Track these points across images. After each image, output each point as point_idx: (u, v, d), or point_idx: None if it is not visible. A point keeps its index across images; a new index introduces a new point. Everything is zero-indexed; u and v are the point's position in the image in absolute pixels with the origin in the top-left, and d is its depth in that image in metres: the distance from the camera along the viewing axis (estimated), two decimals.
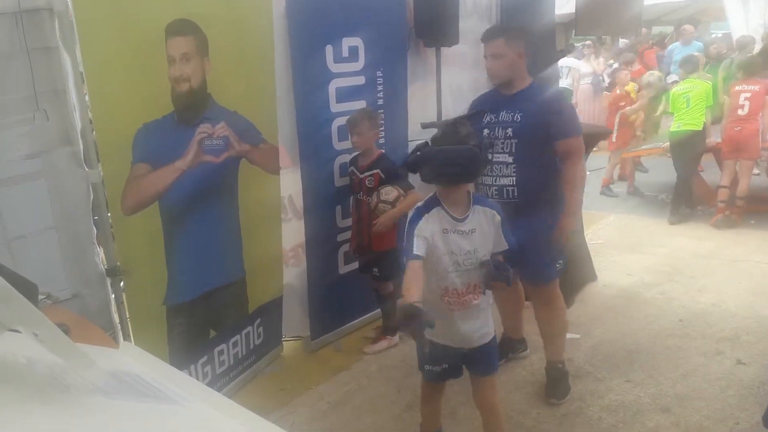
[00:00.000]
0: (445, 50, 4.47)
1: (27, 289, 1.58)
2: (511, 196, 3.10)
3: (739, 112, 5.96)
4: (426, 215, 2.41)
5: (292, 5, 3.41)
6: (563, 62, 9.72)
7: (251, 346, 3.61)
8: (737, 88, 6.08)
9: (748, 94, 5.94)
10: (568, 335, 3.62)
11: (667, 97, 6.82)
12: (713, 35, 11.66)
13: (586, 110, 9.36)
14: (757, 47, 8.05)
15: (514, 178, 3.09)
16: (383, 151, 3.83)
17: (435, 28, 4.24)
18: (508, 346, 3.67)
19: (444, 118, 4.47)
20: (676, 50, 9.48)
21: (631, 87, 7.54)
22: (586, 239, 4.89)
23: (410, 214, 2.50)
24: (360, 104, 3.82)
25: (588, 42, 10.89)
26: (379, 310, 4.10)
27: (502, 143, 3.11)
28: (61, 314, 2.12)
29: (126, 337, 2.80)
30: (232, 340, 3.43)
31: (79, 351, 1.18)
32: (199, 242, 3.08)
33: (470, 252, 2.40)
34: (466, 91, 5.00)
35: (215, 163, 3.08)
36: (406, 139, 4.16)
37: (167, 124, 2.81)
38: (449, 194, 2.41)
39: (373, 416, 3.26)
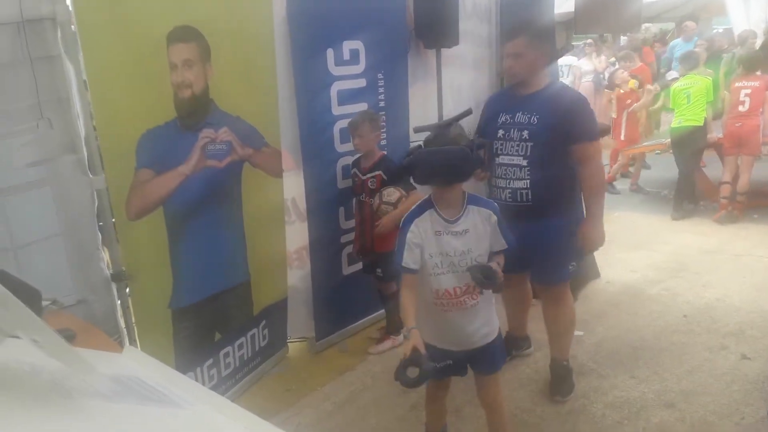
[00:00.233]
0: (445, 51, 4.49)
1: (30, 295, 1.60)
2: (524, 200, 3.07)
3: (740, 108, 5.96)
4: (416, 220, 2.43)
5: (292, 9, 3.44)
6: (562, 61, 9.73)
7: (257, 348, 3.63)
8: (737, 84, 6.08)
9: (749, 90, 5.94)
10: None
11: (666, 93, 6.81)
12: (715, 31, 11.65)
13: None
14: (759, 42, 8.04)
15: (528, 181, 3.05)
16: (385, 152, 3.85)
17: (435, 30, 4.27)
18: (512, 344, 3.68)
19: (445, 119, 4.50)
20: (678, 47, 9.47)
21: (632, 83, 7.54)
22: None
23: (404, 218, 2.52)
24: (361, 106, 3.84)
25: (589, 40, 10.90)
26: (383, 310, 4.11)
27: (517, 145, 3.06)
28: (66, 319, 2.15)
29: (132, 342, 2.83)
30: (238, 342, 3.46)
31: (78, 356, 1.20)
32: (203, 246, 3.11)
33: (465, 252, 2.41)
34: (467, 92, 5.04)
35: (218, 168, 3.10)
36: (408, 140, 4.17)
37: (170, 130, 2.84)
38: (443, 195, 2.43)
39: (378, 416, 3.28)
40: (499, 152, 3.13)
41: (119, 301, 2.82)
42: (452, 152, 2.35)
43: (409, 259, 2.40)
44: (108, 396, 1.19)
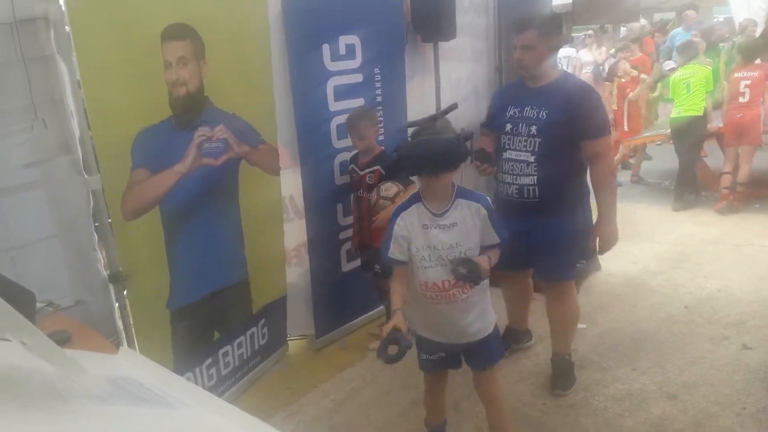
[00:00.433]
0: (443, 45, 4.48)
1: (24, 297, 1.60)
2: (531, 196, 3.02)
3: (740, 99, 5.93)
4: (403, 213, 2.45)
5: (287, 5, 3.41)
6: (561, 52, 9.67)
7: (256, 347, 3.62)
8: (737, 75, 6.04)
9: (748, 81, 5.90)
10: None
11: (664, 83, 6.78)
12: (715, 20, 11.59)
13: None
14: (759, 30, 8.00)
15: (535, 177, 2.99)
16: (383, 147, 3.83)
17: (432, 23, 4.25)
18: (512, 337, 3.67)
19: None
20: (678, 36, 9.41)
21: (633, 73, 7.50)
22: None
23: (393, 211, 2.54)
24: (358, 102, 3.82)
25: (590, 31, 10.86)
26: (382, 306, 4.11)
27: (525, 140, 3.00)
28: (62, 321, 2.14)
29: (130, 342, 2.83)
30: (237, 341, 3.45)
31: (69, 358, 1.19)
32: (200, 245, 3.10)
33: (453, 246, 2.40)
34: (465, 85, 5.02)
35: (215, 166, 3.09)
36: (406, 135, 4.16)
37: (165, 129, 2.82)
38: (431, 187, 2.42)
39: (379, 412, 3.28)
40: (506, 147, 3.08)
41: (117, 302, 2.82)
42: (437, 141, 2.36)
43: (395, 250, 2.43)
44: (102, 398, 1.18)
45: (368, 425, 3.20)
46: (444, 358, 2.63)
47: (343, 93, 3.77)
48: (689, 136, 6.19)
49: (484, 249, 2.48)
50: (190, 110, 2.96)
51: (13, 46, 2.40)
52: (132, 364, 1.50)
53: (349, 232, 3.97)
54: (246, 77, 3.25)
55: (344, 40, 3.72)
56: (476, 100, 5.14)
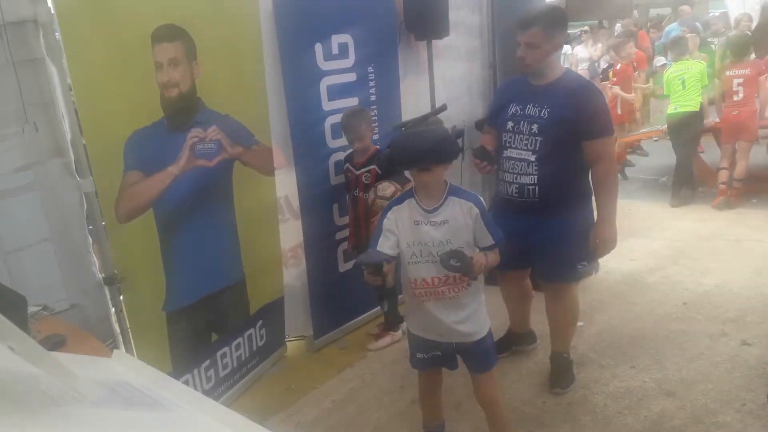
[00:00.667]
0: (436, 43, 4.45)
1: (15, 301, 1.59)
2: (531, 196, 2.97)
3: (734, 98, 5.92)
4: (395, 208, 2.45)
5: (279, 4, 3.39)
6: None
7: (254, 348, 3.61)
8: (728, 73, 6.00)
9: (741, 80, 5.88)
10: None
11: (656, 80, 6.76)
12: (711, 14, 11.60)
13: None
14: (754, 25, 7.99)
15: (536, 177, 2.94)
16: (378, 147, 3.82)
17: (425, 21, 4.23)
18: (511, 340, 3.65)
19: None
20: (674, 31, 9.42)
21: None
22: None
23: (386, 206, 2.53)
24: (352, 101, 3.81)
25: (586, 28, 10.87)
26: (380, 307, 4.09)
27: (526, 139, 2.95)
28: (57, 325, 2.13)
29: (127, 345, 2.81)
30: (235, 342, 3.44)
31: (58, 363, 1.18)
32: (195, 246, 3.08)
33: (443, 243, 2.38)
34: (460, 83, 5.00)
35: (208, 167, 3.07)
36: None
37: (158, 131, 2.81)
38: (423, 182, 2.40)
39: (378, 413, 3.27)
40: (507, 145, 3.03)
41: (113, 305, 2.80)
42: (429, 133, 2.36)
43: (384, 244, 2.40)
44: (94, 401, 1.17)
45: (368, 425, 3.18)
46: (439, 357, 2.62)
47: (336, 92, 3.75)
48: (686, 131, 6.18)
49: (482, 251, 2.46)
50: (183, 111, 2.94)
51: (1, 49, 2.39)
52: (126, 368, 1.49)
53: (346, 232, 3.96)
54: (238, 78, 3.23)
55: (337, 40, 3.71)
56: (470, 98, 5.12)
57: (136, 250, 2.81)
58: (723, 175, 6.05)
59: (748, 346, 3.54)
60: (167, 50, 2.80)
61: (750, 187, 6.12)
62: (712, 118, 6.25)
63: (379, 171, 3.62)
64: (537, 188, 2.96)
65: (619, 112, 7.43)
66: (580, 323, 3.71)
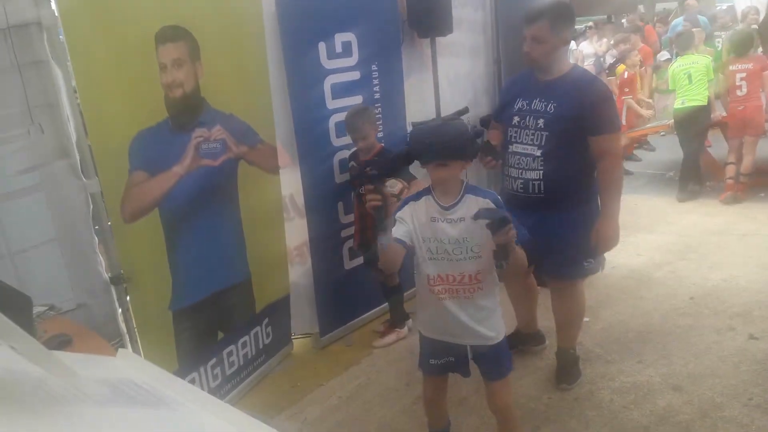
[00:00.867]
0: (440, 40, 4.46)
1: (20, 301, 1.60)
2: (537, 191, 2.95)
3: (738, 92, 5.89)
4: (411, 202, 2.42)
5: (282, 4, 3.41)
6: None
7: (260, 346, 3.63)
8: (731, 67, 5.97)
9: (743, 74, 5.85)
10: None
11: (659, 75, 6.72)
12: (718, 8, 11.52)
13: None
14: (761, 18, 7.93)
15: (541, 172, 2.91)
16: (383, 144, 3.82)
17: (428, 19, 4.23)
18: (518, 339, 3.62)
19: (443, 108, 4.47)
20: (679, 26, 9.36)
21: (622, 68, 7.45)
22: None
23: (402, 200, 2.51)
24: (356, 100, 3.82)
25: (590, 24, 10.83)
26: (386, 303, 4.10)
27: (532, 134, 2.92)
28: (63, 324, 2.15)
29: (134, 345, 2.83)
30: (241, 340, 3.46)
31: (60, 362, 1.19)
32: (201, 245, 3.10)
33: (459, 241, 2.35)
34: (464, 81, 5.01)
35: (213, 167, 3.09)
36: (405, 132, 4.15)
37: (162, 131, 2.83)
38: (440, 178, 2.36)
39: (384, 410, 3.28)
40: (513, 140, 3.02)
41: (119, 305, 2.82)
42: (447, 127, 2.32)
43: (398, 231, 2.33)
44: (97, 400, 1.18)
45: (373, 422, 3.20)
46: (452, 363, 2.56)
47: (340, 91, 3.76)
48: (693, 126, 6.14)
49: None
50: (187, 111, 2.96)
51: (6, 52, 2.42)
52: (130, 366, 1.49)
53: (351, 230, 3.97)
54: (242, 77, 3.25)
55: (340, 38, 3.72)
56: (475, 95, 5.12)
57: (142, 250, 2.83)
58: (730, 170, 6.02)
59: (755, 340, 3.52)
60: (171, 51, 2.82)
61: (758, 181, 6.08)
62: (719, 112, 6.21)
63: (376, 172, 3.60)
64: (542, 183, 2.94)
65: (624, 122, 7.39)
66: (586, 319, 3.70)
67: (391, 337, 3.95)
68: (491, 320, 2.48)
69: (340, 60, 3.74)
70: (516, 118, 3.01)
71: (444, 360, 2.56)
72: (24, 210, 2.54)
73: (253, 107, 3.34)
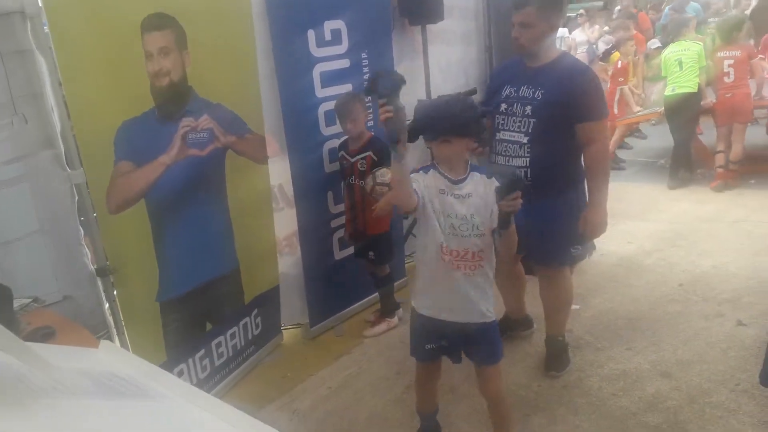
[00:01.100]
0: (431, 27, 4.43)
1: (0, 293, 1.59)
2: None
3: (726, 79, 5.89)
4: (422, 173, 2.40)
5: None
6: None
7: (250, 337, 3.62)
8: (719, 54, 5.97)
9: (731, 61, 5.85)
10: None
11: (649, 63, 6.69)
12: None
13: None
14: (753, 4, 7.93)
15: (528, 159, 2.91)
16: (373, 133, 3.80)
17: (419, 6, 4.21)
18: (507, 325, 3.62)
19: (434, 96, 4.44)
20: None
21: (616, 56, 7.43)
22: None
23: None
24: (346, 88, 3.79)
25: (581, 11, 10.79)
26: (376, 293, 4.10)
27: (519, 121, 2.92)
28: (47, 316, 2.14)
29: (120, 336, 2.82)
30: (230, 331, 3.44)
31: (35, 353, 1.17)
32: (188, 236, 3.08)
33: (466, 217, 2.34)
34: (456, 68, 4.98)
35: (200, 156, 3.06)
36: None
37: (148, 120, 2.79)
38: (444, 155, 2.36)
39: (374, 399, 3.28)
40: (500, 127, 3.01)
41: (105, 297, 2.81)
42: (455, 103, 2.31)
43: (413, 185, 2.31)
44: (78, 392, 1.17)
45: (364, 412, 3.20)
46: (445, 347, 2.57)
47: (330, 79, 3.73)
48: (684, 113, 6.14)
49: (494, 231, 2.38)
50: (174, 101, 2.92)
51: None
52: (112, 358, 1.48)
53: (341, 221, 3.95)
54: (230, 66, 3.22)
55: (329, 26, 3.68)
56: (466, 82, 5.09)
57: (128, 241, 2.81)
58: (720, 158, 6.03)
59: (743, 326, 3.54)
60: (157, 39, 2.78)
61: (749, 168, 6.09)
62: (710, 99, 6.20)
63: (375, 158, 3.60)
64: (529, 170, 2.92)
65: (616, 111, 7.38)
66: (575, 306, 3.72)
67: (381, 327, 3.95)
68: (486, 302, 2.50)
69: (330, 48, 3.71)
70: (503, 106, 3.00)
71: (437, 344, 2.57)
72: (8, 201, 2.51)
73: (241, 96, 3.31)
